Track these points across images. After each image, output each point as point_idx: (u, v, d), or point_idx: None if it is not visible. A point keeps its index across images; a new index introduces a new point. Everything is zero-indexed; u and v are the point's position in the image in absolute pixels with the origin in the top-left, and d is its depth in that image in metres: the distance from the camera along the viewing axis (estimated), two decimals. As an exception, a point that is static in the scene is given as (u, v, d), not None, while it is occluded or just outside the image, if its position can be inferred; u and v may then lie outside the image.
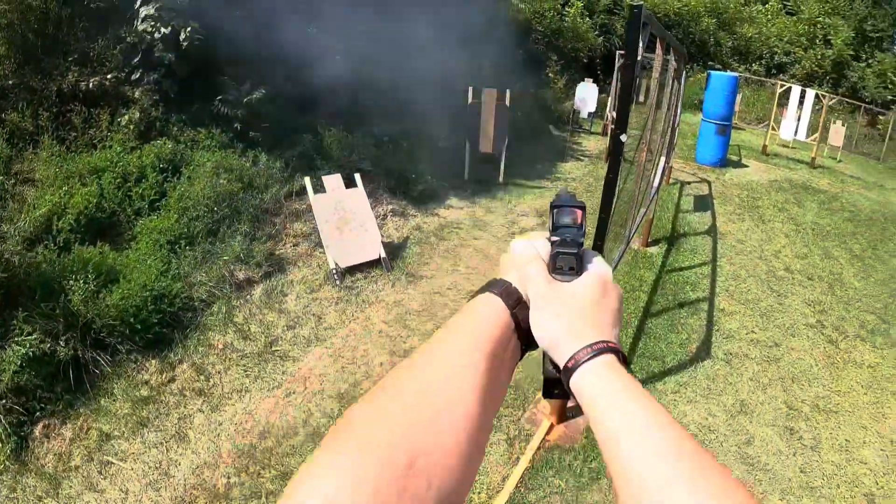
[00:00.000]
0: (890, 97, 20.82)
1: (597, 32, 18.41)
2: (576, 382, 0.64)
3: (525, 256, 0.73)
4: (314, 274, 6.48)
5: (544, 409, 4.75)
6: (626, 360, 0.66)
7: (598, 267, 0.72)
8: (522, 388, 4.99)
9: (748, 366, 5.75)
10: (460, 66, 10.69)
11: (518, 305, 0.69)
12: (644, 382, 4.60)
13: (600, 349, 0.64)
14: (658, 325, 6.13)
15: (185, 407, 4.65)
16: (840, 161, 17.33)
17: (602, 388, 0.62)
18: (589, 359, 0.64)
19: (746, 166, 13.65)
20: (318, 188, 6.71)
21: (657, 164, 7.28)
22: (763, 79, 20.58)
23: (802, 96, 15.64)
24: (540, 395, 4.87)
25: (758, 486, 4.32)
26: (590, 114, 14.58)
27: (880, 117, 20.26)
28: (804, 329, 6.67)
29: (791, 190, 12.35)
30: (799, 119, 15.76)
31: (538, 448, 4.38)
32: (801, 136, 15.86)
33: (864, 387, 5.87)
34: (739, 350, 5.96)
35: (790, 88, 15.76)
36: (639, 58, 3.42)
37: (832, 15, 22.37)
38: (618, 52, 13.26)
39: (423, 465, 0.49)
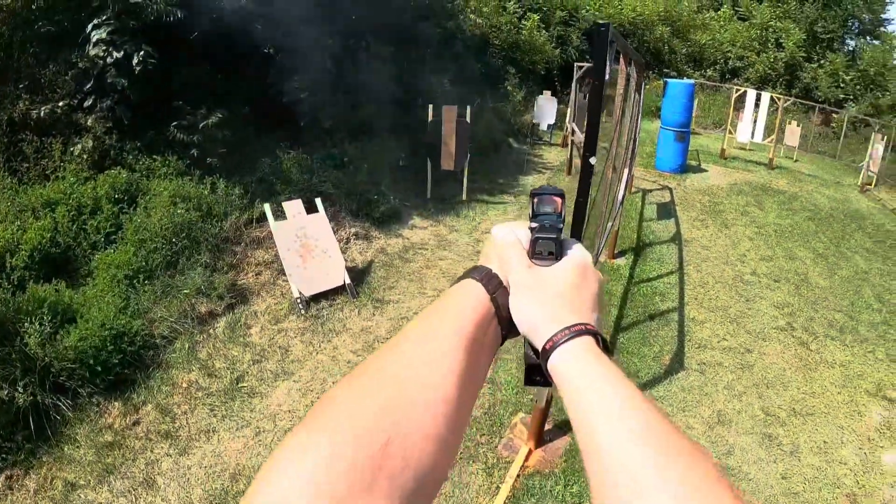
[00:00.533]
0: (842, 96, 22.01)
1: (553, 44, 18.85)
2: (553, 364, 0.64)
3: (505, 242, 0.74)
4: (278, 304, 6.35)
5: (521, 434, 4.69)
6: (605, 344, 0.66)
7: (577, 252, 0.74)
8: (498, 415, 4.94)
9: (722, 375, 5.81)
10: (419, 84, 10.71)
11: (498, 291, 0.70)
12: None
13: (578, 331, 0.65)
14: (630, 340, 6.16)
15: (151, 451, 4.48)
16: (797, 161, 17.93)
17: (579, 369, 0.62)
18: (566, 340, 0.64)
19: (706, 171, 14.00)
20: (279, 214, 6.60)
21: (622, 177, 7.35)
22: (718, 84, 21.22)
23: (758, 99, 16.10)
24: (516, 419, 4.85)
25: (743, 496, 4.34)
26: (549, 126, 14.73)
27: (834, 116, 21.30)
28: (775, 333, 6.79)
29: (751, 192, 12.67)
30: (755, 122, 16.23)
31: (518, 476, 4.31)
32: (758, 138, 16.37)
33: (838, 386, 6.01)
34: (712, 359, 6.03)
35: (745, 92, 16.12)
36: (607, 78, 3.41)
37: (783, 19, 23.62)
38: (576, 64, 13.45)
39: (400, 445, 0.50)
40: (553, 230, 0.73)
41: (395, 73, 10.12)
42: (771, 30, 23.64)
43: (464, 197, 9.83)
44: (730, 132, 16.44)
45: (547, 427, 4.67)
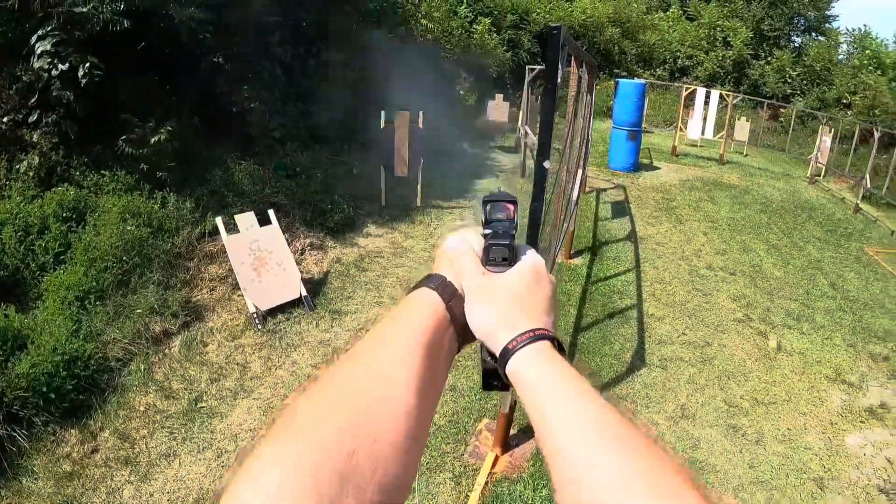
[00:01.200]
0: (789, 91, 23.08)
1: (505, 48, 19.06)
2: (511, 370, 0.66)
3: (458, 251, 0.76)
4: (234, 319, 6.26)
5: (486, 440, 4.71)
6: (561, 347, 0.68)
7: (530, 257, 0.76)
8: (462, 422, 4.95)
9: (684, 369, 5.96)
10: (371, 91, 10.71)
11: (453, 298, 0.72)
12: None
13: (534, 336, 0.67)
14: (591, 339, 6.27)
15: (111, 479, 4.36)
16: (747, 155, 18.57)
17: (536, 373, 0.64)
18: (523, 346, 0.66)
19: (658, 168, 14.44)
20: (231, 227, 6.51)
21: (575, 177, 7.47)
22: (667, 83, 21.84)
23: (707, 97, 16.72)
24: (481, 426, 4.87)
25: (710, 490, 4.46)
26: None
27: (782, 111, 22.20)
28: (733, 325, 6.99)
29: (703, 188, 13.06)
30: (705, 119, 16.75)
31: (486, 483, 4.32)
32: (709, 134, 16.94)
33: (798, 373, 6.26)
34: (673, 354, 6.18)
35: (695, 90, 16.64)
36: (559, 80, 3.46)
37: (731, 18, 24.77)
38: (527, 67, 13.64)
39: (364, 454, 0.51)
40: (506, 236, 0.75)
41: (347, 80, 10.10)
42: (719, 29, 24.74)
43: (418, 203, 9.85)
44: (681, 130, 17.00)
45: (512, 432, 4.70)
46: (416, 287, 0.74)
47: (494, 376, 0.71)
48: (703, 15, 25.51)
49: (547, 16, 21.64)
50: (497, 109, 14.41)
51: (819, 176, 17.45)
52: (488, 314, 0.70)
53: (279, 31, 8.82)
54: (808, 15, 25.63)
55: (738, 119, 18.81)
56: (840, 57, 24.12)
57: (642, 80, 15.94)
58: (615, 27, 23.91)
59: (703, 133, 17.07)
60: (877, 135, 14.32)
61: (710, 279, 8.16)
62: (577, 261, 8.17)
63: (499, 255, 0.73)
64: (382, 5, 12.42)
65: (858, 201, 14.38)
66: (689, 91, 17.07)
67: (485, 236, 0.76)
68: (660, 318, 6.89)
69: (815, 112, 20.37)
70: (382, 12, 12.47)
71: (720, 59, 24.22)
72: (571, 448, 0.56)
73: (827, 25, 25.95)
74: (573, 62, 5.98)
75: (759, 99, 22.09)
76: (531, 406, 0.62)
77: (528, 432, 4.75)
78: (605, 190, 11.96)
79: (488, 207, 0.77)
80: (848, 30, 25.21)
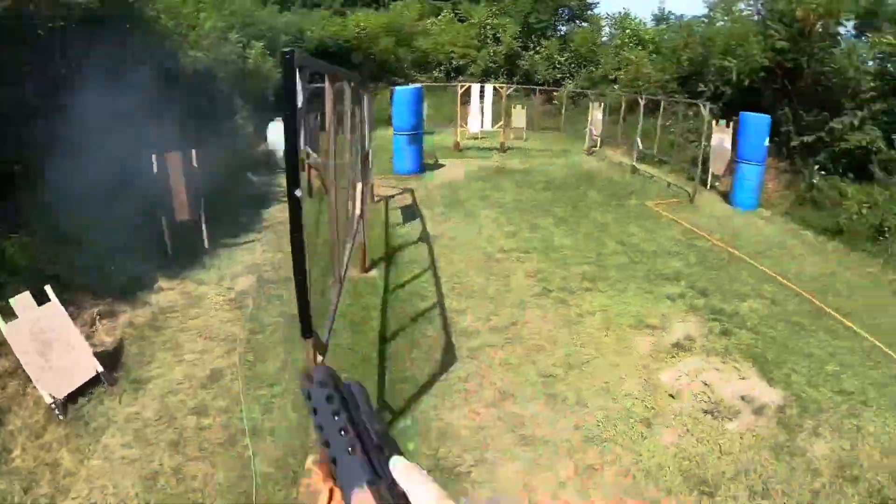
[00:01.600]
0: (559, 76, 26.01)
1: (281, 70, 18.82)
2: None
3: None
4: (34, 415, 5.56)
5: (317, 476, 4.55)
6: None
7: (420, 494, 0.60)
8: (289, 465, 4.76)
9: (494, 354, 6.33)
10: (142, 133, 10.06)
11: None
12: (403, 409, 4.57)
13: None
14: (398, 347, 6.43)
15: None
16: (527, 140, 20.16)
17: None
18: None
19: (444, 165, 15.45)
20: (8, 314, 5.78)
21: (355, 190, 7.55)
22: (445, 83, 23.03)
23: (482, 91, 18.03)
24: (309, 462, 4.73)
25: (544, 460, 4.76)
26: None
27: (554, 94, 24.84)
28: (534, 300, 7.53)
29: (488, 177, 14.08)
30: (483, 112, 17.76)
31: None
32: (487, 126, 17.93)
33: (603, 329, 6.92)
34: (482, 342, 6.54)
35: (469, 87, 17.68)
36: (300, 106, 3.44)
37: (500, 16, 27.61)
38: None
39: None
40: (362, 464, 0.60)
41: (112, 125, 9.40)
42: (489, 27, 27.42)
43: (206, 245, 9.38)
44: (461, 126, 17.88)
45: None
46: None
47: None
48: (473, 16, 27.95)
49: (322, 32, 22.84)
50: (277, 134, 14.26)
51: (595, 147, 19.27)
52: None
53: (29, 78, 8.02)
54: (571, 5, 29.15)
55: (514, 108, 20.60)
56: (604, 39, 27.54)
57: (417, 85, 16.63)
58: (390, 36, 25.38)
59: (482, 126, 18.16)
60: (642, 102, 16.21)
61: (506, 262, 8.80)
62: (374, 273, 8.34)
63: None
64: (147, 43, 11.83)
65: (634, 163, 15.99)
66: (463, 88, 18.07)
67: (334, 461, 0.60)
68: (462, 310, 7.23)
69: (585, 91, 22.77)
70: (147, 48, 11.87)
71: (492, 54, 26.62)
72: None
73: (589, 12, 29.76)
74: (327, 81, 6.05)
75: (532, 86, 24.60)
76: None
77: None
78: (392, 196, 12.40)
79: (317, 407, 0.62)
80: (609, 14, 28.82)
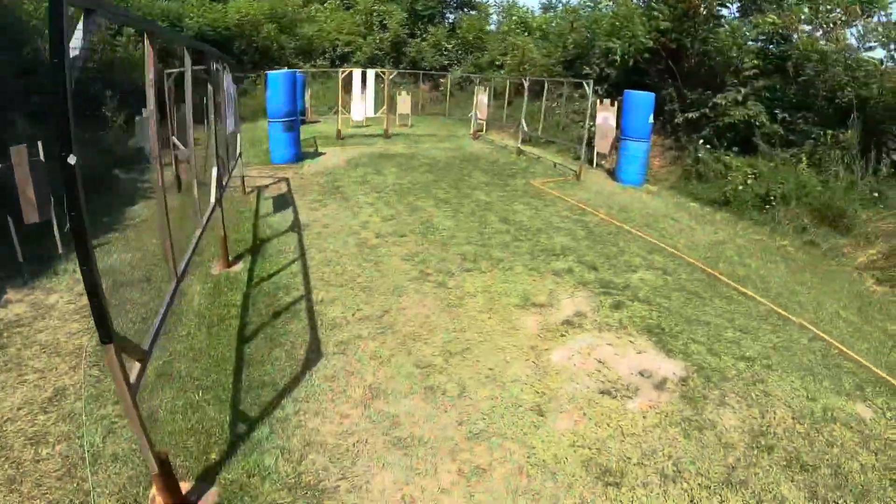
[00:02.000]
0: (446, 62, 25.80)
1: (157, 57, 17.49)
2: None
3: None
4: None
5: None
6: None
7: None
8: (132, 494, 3.80)
9: (364, 346, 5.53)
10: None
11: None
12: (260, 417, 3.66)
13: None
14: (257, 347, 5.48)
15: None
16: (412, 126, 19.53)
17: None
18: None
19: (323, 154, 14.37)
20: None
21: (211, 177, 6.59)
22: (330, 70, 22.26)
23: (364, 77, 17.06)
24: (152, 493, 3.83)
25: (424, 464, 4.03)
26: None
27: (441, 80, 24.61)
28: (410, 284, 6.82)
29: (370, 163, 13.20)
30: (366, 99, 16.97)
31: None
32: (370, 113, 17.09)
33: (487, 311, 6.25)
34: (351, 334, 5.72)
35: (351, 72, 16.75)
36: (74, 52, 2.63)
37: (386, 2, 27.14)
38: (166, 73, 12.28)
39: None
40: None
41: None
42: (375, 14, 26.89)
43: (60, 249, 8.09)
44: (343, 113, 16.97)
45: (187, 485, 3.75)
46: None
47: None
48: (359, 2, 27.34)
49: (201, 19, 21.69)
50: (147, 127, 12.87)
51: (481, 131, 18.88)
52: None
53: None
54: None
55: (400, 94, 19.89)
56: (491, 27, 28.00)
57: (292, 70, 15.61)
58: (272, 23, 24.43)
59: (366, 113, 17.38)
60: (527, 85, 15.71)
61: (381, 247, 7.98)
62: (238, 267, 7.32)
63: None
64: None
65: (519, 145, 15.62)
66: (344, 74, 17.11)
67: None
68: (331, 301, 6.36)
69: (471, 76, 22.52)
70: (5, 33, 10.43)
71: (378, 41, 26.12)
72: None
73: (477, 0, 30.04)
74: (150, 55, 5.07)
75: (418, 72, 24.17)
76: None
77: (206, 479, 3.82)
78: (266, 186, 11.36)
79: None
80: (497, 2, 29.57)
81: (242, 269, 7.24)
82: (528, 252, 7.91)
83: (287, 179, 11.73)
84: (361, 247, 7.95)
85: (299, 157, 13.57)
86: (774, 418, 4.61)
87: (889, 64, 11.54)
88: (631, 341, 5.72)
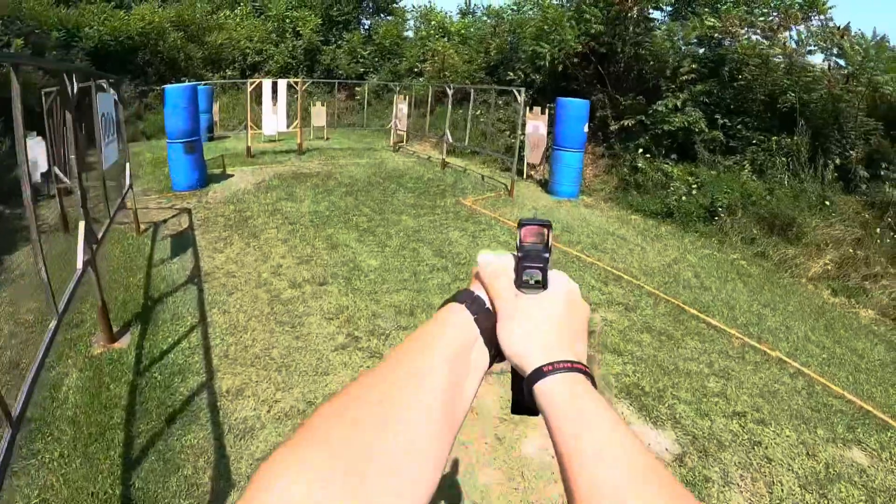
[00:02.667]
0: (362, 70, 24.24)
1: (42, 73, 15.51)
2: (541, 392, 0.64)
3: (491, 270, 0.75)
4: None
5: None
6: (593, 381, 0.66)
7: (564, 282, 0.75)
8: None
9: None
10: None
11: (481, 313, 0.71)
12: None
13: (567, 367, 0.65)
14: (150, 475, 3.90)
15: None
16: (328, 139, 17.96)
17: (568, 401, 0.62)
18: (557, 372, 0.65)
19: (232, 176, 12.46)
20: None
21: (78, 234, 5.00)
22: (239, 80, 20.35)
23: (275, 87, 15.38)
24: None
25: None
26: (43, 174, 11.24)
27: (357, 89, 22.99)
28: (336, 356, 5.42)
29: (282, 185, 11.56)
30: (277, 112, 15.35)
31: None
32: (283, 127, 15.43)
33: None
34: (267, 444, 4.22)
35: (261, 83, 15.06)
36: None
37: (299, 8, 25.14)
38: (43, 91, 10.30)
39: (383, 466, 0.52)
40: (539, 259, 0.73)
41: None
42: (288, 20, 24.80)
43: None
44: (253, 128, 15.11)
45: None
46: (446, 302, 0.74)
47: (522, 403, 0.68)
48: (270, 8, 25.31)
49: (101, 28, 19.31)
50: (35, 151, 10.84)
51: (402, 143, 17.55)
52: (521, 339, 0.69)
53: None
54: None
55: (314, 105, 18.46)
56: (408, 32, 26.43)
57: (193, 83, 13.71)
58: (178, 31, 22.01)
59: (278, 127, 15.68)
60: (450, 92, 14.52)
61: (297, 302, 6.41)
62: (124, 342, 5.59)
63: (532, 277, 0.72)
64: None
65: (444, 157, 14.39)
66: (253, 85, 15.31)
67: (517, 258, 0.73)
68: (238, 391, 4.79)
69: (389, 84, 21.10)
70: None
71: (291, 49, 24.20)
72: (609, 483, 0.54)
73: (394, 5, 28.36)
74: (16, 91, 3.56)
75: (332, 80, 22.41)
76: (560, 435, 0.60)
77: None
78: (165, 221, 9.45)
79: (522, 231, 0.75)
80: (414, 6, 28.66)
81: (129, 346, 5.51)
82: (471, 289, 6.62)
83: (189, 210, 9.91)
84: (274, 303, 6.37)
85: (204, 181, 11.70)
86: (783, 490, 4.04)
87: (824, 67, 10.98)
88: (613, 412, 4.58)
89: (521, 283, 0.72)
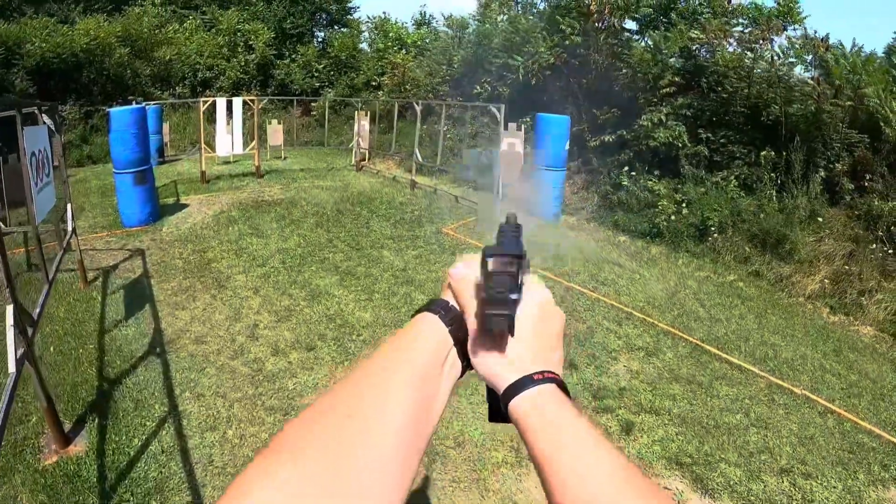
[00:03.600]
0: (318, 84, 22.95)
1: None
2: (515, 409, 0.65)
3: (462, 285, 0.72)
4: None
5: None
6: (566, 389, 0.67)
7: (536, 294, 0.73)
8: None
9: None
10: None
11: (454, 323, 0.71)
12: None
13: (541, 379, 0.66)
14: None
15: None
16: (286, 159, 16.97)
17: (540, 418, 0.63)
18: (528, 388, 0.65)
19: (187, 205, 11.16)
20: None
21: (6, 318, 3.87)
22: (190, 100, 19.00)
23: (230, 106, 14.24)
24: None
25: None
26: None
27: (313, 104, 21.67)
28: None
29: (243, 217, 10.39)
30: (232, 132, 14.16)
31: None
32: (238, 148, 14.28)
33: (469, 479, 3.93)
34: None
35: (214, 101, 13.88)
36: None
37: (252, 21, 23.68)
38: None
39: (351, 478, 0.52)
40: (506, 305, 0.65)
41: None
42: (240, 34, 23.23)
43: None
44: (207, 150, 13.80)
45: None
46: (419, 311, 0.73)
47: (499, 412, 0.68)
48: (222, 21, 23.47)
49: (43, 44, 17.57)
50: None
51: (364, 161, 16.55)
52: (492, 356, 0.68)
53: None
54: (330, 9, 26.49)
55: (270, 123, 17.19)
56: (363, 45, 25.45)
57: (141, 105, 12.36)
58: (125, 47, 20.25)
59: (233, 148, 14.44)
60: (419, 108, 13.59)
61: (285, 376, 5.27)
62: (81, 445, 4.34)
63: (496, 326, 0.65)
64: None
65: (413, 177, 13.48)
66: (206, 104, 14.02)
67: (480, 300, 0.67)
68: None
69: (348, 99, 20.19)
70: None
71: (243, 64, 22.69)
72: (583, 486, 0.56)
73: (349, 17, 27.26)
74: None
75: (289, 97, 21.30)
76: (537, 452, 0.61)
77: None
78: (115, 267, 8.05)
79: (489, 263, 0.67)
80: (369, 17, 27.24)
81: (88, 452, 4.26)
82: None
83: (143, 253, 8.58)
84: (257, 379, 5.21)
85: (157, 214, 10.35)
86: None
87: (805, 79, 10.48)
88: (665, 487, 4.13)
89: (483, 331, 0.67)
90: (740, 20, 11.74)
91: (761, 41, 10.69)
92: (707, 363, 5.97)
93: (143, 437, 4.40)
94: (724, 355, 6.14)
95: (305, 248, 8.79)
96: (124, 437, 4.39)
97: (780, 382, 5.67)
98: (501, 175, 11.38)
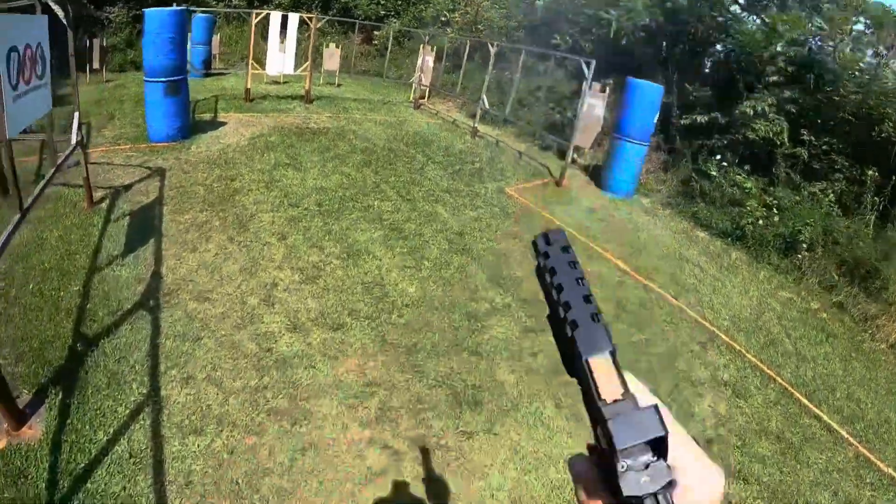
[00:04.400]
0: (383, 12, 20.78)
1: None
2: None
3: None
4: None
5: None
6: None
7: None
8: None
9: None
10: None
11: None
12: None
13: None
14: None
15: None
16: (340, 86, 15.75)
17: None
18: None
19: (224, 124, 10.03)
20: None
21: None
22: (244, 9, 17.46)
23: (284, 22, 12.81)
24: None
25: None
26: None
27: (375, 33, 19.89)
28: (369, 494, 3.30)
29: (282, 144, 9.21)
30: (285, 50, 13.04)
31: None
32: (290, 69, 13.03)
33: None
34: None
35: (269, 15, 12.60)
36: None
37: None
38: None
39: None
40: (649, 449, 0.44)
41: None
42: None
43: None
44: (254, 67, 12.56)
45: None
46: None
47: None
48: None
49: None
50: None
51: (424, 99, 15.25)
52: None
53: None
54: None
55: (327, 46, 15.79)
56: None
57: (183, 7, 11.06)
58: None
59: (284, 68, 13.16)
60: (493, 50, 12.12)
61: (300, 364, 4.14)
62: (36, 427, 3.37)
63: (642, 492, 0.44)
64: None
65: (476, 124, 12.18)
66: (259, 17, 12.68)
67: (600, 451, 0.47)
68: None
69: (415, 30, 18.44)
70: None
71: None
72: None
73: None
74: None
75: (350, 20, 19.18)
76: None
77: None
78: (129, 187, 6.93)
79: (593, 376, 0.48)
80: None
81: (42, 444, 3.27)
82: (553, 368, 4.55)
83: (163, 173, 7.44)
84: (263, 363, 4.11)
85: (187, 131, 9.17)
86: None
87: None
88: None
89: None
90: (861, 18, 10.11)
91: (887, 51, 9.10)
92: (796, 417, 5.03)
93: (111, 432, 3.38)
94: (814, 408, 5.18)
95: (348, 189, 7.63)
96: (88, 428, 3.40)
97: (866, 453, 4.77)
98: (576, 139, 10.04)
